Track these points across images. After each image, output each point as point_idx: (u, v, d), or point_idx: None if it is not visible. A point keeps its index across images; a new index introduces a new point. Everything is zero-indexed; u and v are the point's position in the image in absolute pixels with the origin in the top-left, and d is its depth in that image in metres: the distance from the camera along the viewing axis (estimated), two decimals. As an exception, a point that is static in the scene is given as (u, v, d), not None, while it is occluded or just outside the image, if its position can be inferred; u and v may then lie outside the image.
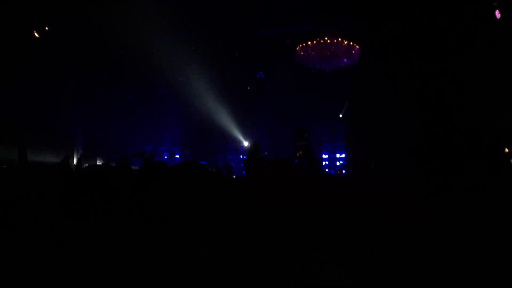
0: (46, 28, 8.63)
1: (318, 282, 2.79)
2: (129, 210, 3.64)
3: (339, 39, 9.14)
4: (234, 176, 10.81)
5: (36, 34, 8.51)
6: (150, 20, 9.21)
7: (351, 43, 9.21)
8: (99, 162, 10.88)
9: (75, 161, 10.42)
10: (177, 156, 12.71)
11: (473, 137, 5.86)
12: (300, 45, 9.34)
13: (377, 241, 3.61)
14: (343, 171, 11.25)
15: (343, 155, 11.85)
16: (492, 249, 3.08)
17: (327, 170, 11.47)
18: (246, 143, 12.00)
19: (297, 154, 6.96)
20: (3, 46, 8.18)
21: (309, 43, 9.30)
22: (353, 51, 9.22)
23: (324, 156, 11.76)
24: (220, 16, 9.56)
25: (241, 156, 12.44)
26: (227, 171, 7.84)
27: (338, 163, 11.66)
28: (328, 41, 9.05)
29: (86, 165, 10.23)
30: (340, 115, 11.75)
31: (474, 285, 2.73)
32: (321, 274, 2.91)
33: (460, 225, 3.50)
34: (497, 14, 7.43)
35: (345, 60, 9.26)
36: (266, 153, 10.07)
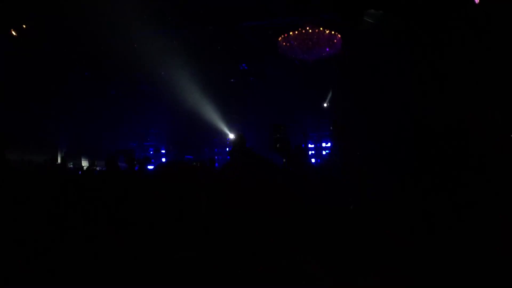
0: (24, 26, 8.48)
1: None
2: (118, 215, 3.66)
3: (321, 29, 9.17)
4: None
5: (13, 33, 8.36)
6: (129, 14, 9.12)
7: (333, 32, 9.25)
8: (84, 161, 10.77)
9: (59, 160, 10.31)
10: (163, 151, 12.66)
11: (466, 135, 5.92)
12: (282, 36, 9.35)
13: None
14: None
15: (328, 144, 11.95)
16: (491, 248, 3.17)
17: (313, 160, 11.56)
18: (231, 136, 12.00)
19: (277, 145, 6.99)
20: None
21: (291, 33, 9.31)
22: (335, 40, 9.26)
23: (310, 145, 11.84)
24: (201, 9, 9.51)
25: (227, 149, 12.45)
26: (210, 164, 7.94)
27: (324, 152, 11.76)
28: (310, 31, 9.07)
29: (71, 164, 10.14)
30: (325, 105, 11.83)
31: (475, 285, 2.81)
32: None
33: (457, 223, 3.59)
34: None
35: (327, 49, 9.30)
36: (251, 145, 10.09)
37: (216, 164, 11.68)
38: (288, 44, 9.28)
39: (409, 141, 6.47)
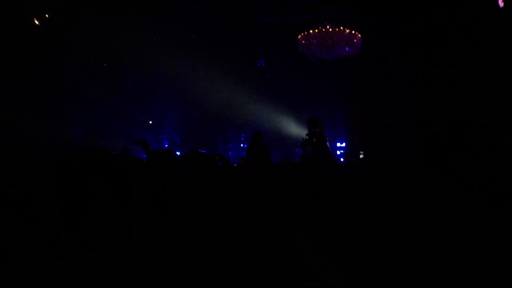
0: (47, 15, 8.54)
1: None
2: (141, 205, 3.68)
3: (341, 28, 9.12)
4: (235, 165, 10.87)
5: (36, 22, 8.43)
6: (149, 6, 9.16)
7: (353, 31, 9.19)
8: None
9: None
10: (178, 143, 12.72)
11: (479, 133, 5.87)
12: (302, 34, 9.31)
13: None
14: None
15: (343, 144, 11.91)
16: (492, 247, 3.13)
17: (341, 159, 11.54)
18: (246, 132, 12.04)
19: (314, 140, 7.16)
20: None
21: (310, 31, 9.27)
22: (355, 40, 9.20)
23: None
24: (220, 3, 9.51)
25: (241, 145, 12.47)
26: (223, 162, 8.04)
27: (338, 152, 11.72)
28: (330, 29, 9.02)
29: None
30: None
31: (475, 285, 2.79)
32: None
33: (462, 220, 3.55)
34: (500, 3, 7.40)
35: (347, 49, 9.24)
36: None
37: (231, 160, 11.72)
38: (307, 42, 9.24)
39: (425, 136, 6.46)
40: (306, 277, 2.87)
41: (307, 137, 7.57)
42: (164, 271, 2.87)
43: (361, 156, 9.34)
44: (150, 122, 12.92)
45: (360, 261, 2.97)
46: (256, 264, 2.93)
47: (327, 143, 7.53)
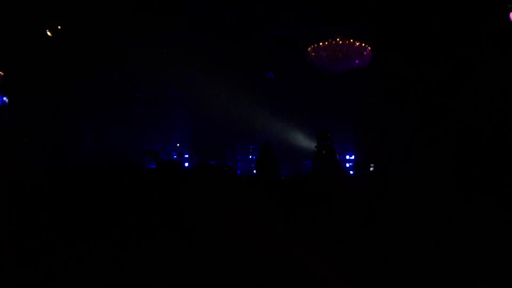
0: (59, 27, 8.65)
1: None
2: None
3: (351, 40, 9.12)
4: (243, 176, 10.83)
5: (48, 33, 8.54)
6: (160, 20, 9.25)
7: (363, 44, 9.18)
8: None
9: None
10: (186, 156, 12.71)
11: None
12: (312, 46, 9.32)
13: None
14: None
15: (352, 157, 11.83)
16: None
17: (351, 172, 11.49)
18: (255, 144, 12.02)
19: (324, 152, 7.19)
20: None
21: (320, 43, 9.27)
22: (365, 53, 9.19)
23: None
24: (229, 16, 9.59)
25: (250, 156, 12.45)
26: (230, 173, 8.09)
27: (347, 165, 11.65)
28: (340, 42, 9.02)
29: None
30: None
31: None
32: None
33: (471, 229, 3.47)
34: (512, 17, 7.36)
35: (356, 61, 9.23)
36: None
37: (239, 172, 11.66)
38: (317, 54, 9.24)
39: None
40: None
41: (316, 149, 7.59)
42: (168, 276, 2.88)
43: (371, 169, 9.29)
44: (159, 133, 12.97)
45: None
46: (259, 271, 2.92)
47: (337, 156, 7.54)
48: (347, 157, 11.75)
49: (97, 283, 2.78)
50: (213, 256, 3.07)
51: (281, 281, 2.87)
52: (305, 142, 11.13)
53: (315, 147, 7.67)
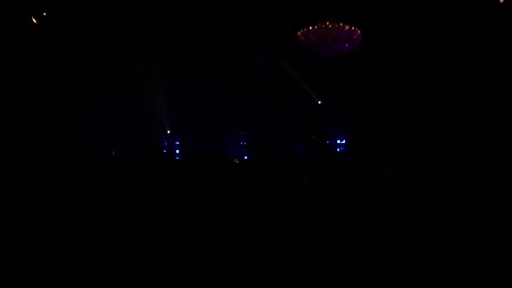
0: (44, 14, 8.46)
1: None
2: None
3: (340, 24, 9.07)
4: (236, 161, 10.85)
5: (34, 20, 8.35)
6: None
7: (352, 27, 9.13)
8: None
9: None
10: (177, 143, 12.66)
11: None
12: (301, 30, 9.26)
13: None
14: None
15: (343, 142, 11.86)
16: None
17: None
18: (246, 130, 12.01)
19: (313, 137, 7.23)
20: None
21: (310, 28, 9.21)
22: (355, 36, 9.15)
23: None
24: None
25: (241, 143, 12.42)
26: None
27: (338, 149, 11.70)
28: (330, 26, 8.96)
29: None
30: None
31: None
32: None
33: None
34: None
35: (346, 45, 9.19)
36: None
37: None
38: (307, 38, 9.18)
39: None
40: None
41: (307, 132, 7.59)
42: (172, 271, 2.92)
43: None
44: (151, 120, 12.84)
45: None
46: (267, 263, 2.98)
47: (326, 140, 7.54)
48: (338, 141, 11.78)
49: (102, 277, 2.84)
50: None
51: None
52: (295, 126, 11.11)
53: (305, 131, 7.69)
